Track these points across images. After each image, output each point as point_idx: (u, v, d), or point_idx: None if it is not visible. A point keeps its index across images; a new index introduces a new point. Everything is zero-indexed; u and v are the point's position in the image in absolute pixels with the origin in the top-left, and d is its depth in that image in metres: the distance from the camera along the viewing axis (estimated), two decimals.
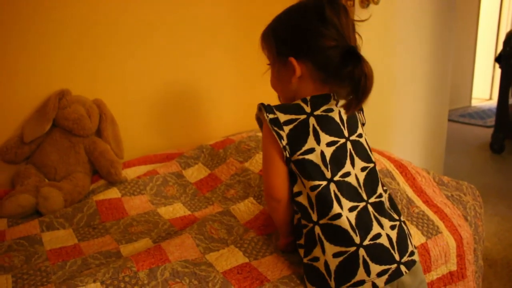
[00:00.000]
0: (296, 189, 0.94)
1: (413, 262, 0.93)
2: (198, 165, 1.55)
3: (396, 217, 0.97)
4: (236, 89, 1.96)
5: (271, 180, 0.95)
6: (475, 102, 5.54)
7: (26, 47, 1.45)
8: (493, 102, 5.33)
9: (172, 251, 0.99)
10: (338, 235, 0.88)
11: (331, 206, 0.88)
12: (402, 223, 0.97)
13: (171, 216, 1.26)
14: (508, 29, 3.58)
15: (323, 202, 0.89)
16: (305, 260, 0.92)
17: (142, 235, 1.14)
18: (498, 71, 3.63)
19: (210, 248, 1.04)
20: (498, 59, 3.39)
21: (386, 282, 0.87)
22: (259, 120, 1.00)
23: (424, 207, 1.27)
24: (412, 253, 0.94)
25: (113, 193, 1.34)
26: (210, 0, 1.80)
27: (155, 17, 1.68)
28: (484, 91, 5.84)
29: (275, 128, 0.91)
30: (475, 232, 1.29)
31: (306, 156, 0.91)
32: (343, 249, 0.87)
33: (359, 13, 1.89)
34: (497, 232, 2.21)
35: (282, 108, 0.94)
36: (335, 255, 0.87)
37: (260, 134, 1.64)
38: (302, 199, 0.92)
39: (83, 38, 1.54)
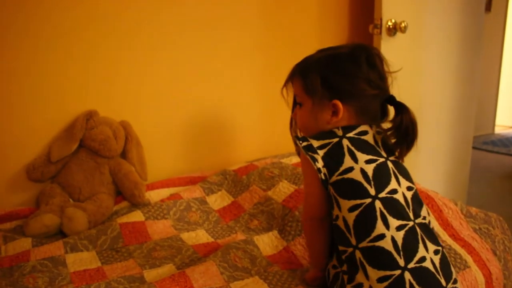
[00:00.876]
0: (334, 214, 0.93)
1: None
2: (222, 191, 1.55)
3: (439, 242, 0.94)
4: (260, 116, 1.97)
5: (309, 199, 0.99)
6: (498, 130, 5.46)
7: (57, 67, 1.48)
8: None
9: (196, 278, 0.99)
10: (380, 258, 0.85)
11: (374, 226, 0.86)
12: (443, 250, 0.94)
13: (194, 242, 1.26)
14: None
15: (364, 223, 0.87)
16: (348, 287, 0.89)
17: (165, 260, 1.13)
18: None
19: (234, 277, 1.03)
20: None
21: None
22: (299, 153, 1.02)
23: (450, 241, 1.24)
24: (455, 281, 0.90)
25: (137, 216, 1.34)
26: (236, 29, 1.82)
27: (187, 44, 1.71)
28: (507, 118, 5.75)
29: (309, 153, 0.94)
30: (504, 267, 1.25)
31: (346, 176, 0.91)
32: (387, 273, 0.83)
33: (386, 41, 1.89)
34: None
35: (314, 136, 0.98)
36: (380, 280, 0.83)
37: (284, 160, 1.63)
38: (339, 223, 0.91)
39: (113, 61, 1.57)
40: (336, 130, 0.97)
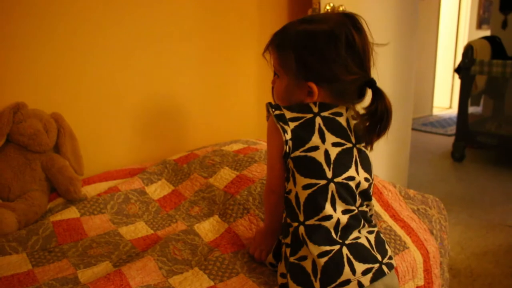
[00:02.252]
0: (288, 187, 0.94)
1: (392, 265, 0.94)
2: (162, 181, 1.50)
3: (374, 224, 0.98)
4: (201, 105, 1.93)
5: (270, 172, 0.99)
6: (436, 111, 5.69)
7: None
8: (453, 111, 5.48)
9: (133, 276, 0.95)
10: (320, 236, 0.88)
11: (323, 208, 0.88)
12: (378, 231, 0.98)
13: (133, 236, 1.21)
14: (466, 42, 3.70)
15: (314, 203, 0.89)
16: (291, 259, 0.90)
17: (101, 258, 1.08)
18: (457, 81, 3.74)
19: (174, 271, 1.00)
20: (458, 70, 3.49)
21: (371, 281, 0.87)
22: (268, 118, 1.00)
23: (391, 222, 1.27)
24: (390, 257, 0.95)
25: (72, 212, 1.28)
26: (175, 14, 1.77)
27: (125, 32, 1.63)
28: (444, 100, 6.01)
29: (280, 123, 0.92)
30: (440, 246, 1.30)
31: (309, 153, 0.91)
32: (327, 248, 0.87)
33: None
34: (460, 241, 2.25)
35: (289, 107, 0.95)
36: (320, 255, 0.86)
37: (225, 148, 1.60)
38: (291, 197, 0.92)
39: (40, 47, 1.48)
40: (312, 105, 0.95)
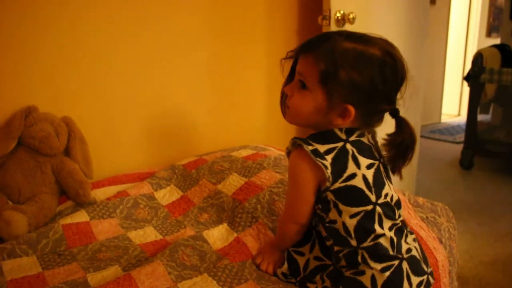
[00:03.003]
0: (330, 217, 0.93)
1: (433, 275, 0.97)
2: (170, 186, 1.51)
3: (411, 231, 1.00)
4: (211, 110, 1.94)
5: (299, 207, 0.98)
6: (444, 118, 5.66)
7: None
8: (462, 118, 5.45)
9: (142, 280, 0.95)
10: (380, 253, 0.89)
11: (373, 230, 0.89)
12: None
13: (142, 240, 1.22)
14: (475, 49, 3.69)
15: (364, 228, 0.90)
16: (347, 274, 0.91)
17: (111, 262, 1.08)
18: (466, 88, 3.73)
19: (183, 276, 1.00)
20: (467, 78, 3.48)
21: None
22: (289, 154, 0.98)
23: None
24: (429, 266, 0.97)
25: (81, 216, 1.28)
26: (184, 19, 1.78)
27: (133, 36, 1.65)
28: (453, 107, 5.98)
29: (318, 159, 0.89)
30: (449, 254, 1.29)
31: (349, 183, 0.90)
32: (389, 263, 0.88)
33: None
34: (468, 250, 2.23)
35: (315, 138, 0.94)
36: (383, 270, 0.87)
37: (234, 154, 1.61)
38: (337, 227, 0.92)
39: (53, 52, 1.49)
40: (338, 132, 0.93)
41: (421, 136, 4.43)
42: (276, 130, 2.20)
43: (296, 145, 0.94)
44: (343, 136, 0.93)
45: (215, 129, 1.97)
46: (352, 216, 0.90)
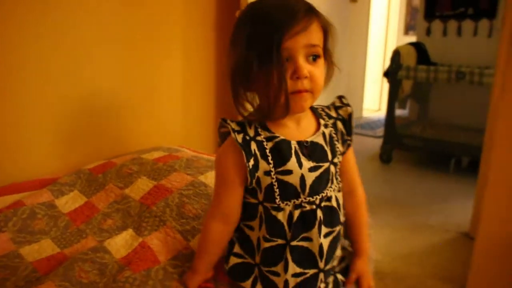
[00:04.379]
0: None
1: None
2: (74, 192, 1.39)
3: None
4: (121, 108, 1.82)
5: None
6: (366, 113, 5.85)
7: None
8: (382, 113, 5.66)
9: None
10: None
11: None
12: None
13: (36, 257, 1.09)
14: (394, 47, 3.82)
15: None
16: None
17: None
18: (386, 84, 3.86)
19: None
20: (386, 74, 3.59)
21: None
22: None
23: None
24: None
25: None
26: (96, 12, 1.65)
27: (31, 25, 1.49)
28: (374, 102, 6.21)
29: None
30: None
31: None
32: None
33: None
34: (386, 243, 2.29)
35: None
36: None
37: (145, 156, 1.51)
38: None
39: None
40: None
41: None
42: (193, 129, 2.14)
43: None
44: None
45: (129, 130, 1.86)
46: None
